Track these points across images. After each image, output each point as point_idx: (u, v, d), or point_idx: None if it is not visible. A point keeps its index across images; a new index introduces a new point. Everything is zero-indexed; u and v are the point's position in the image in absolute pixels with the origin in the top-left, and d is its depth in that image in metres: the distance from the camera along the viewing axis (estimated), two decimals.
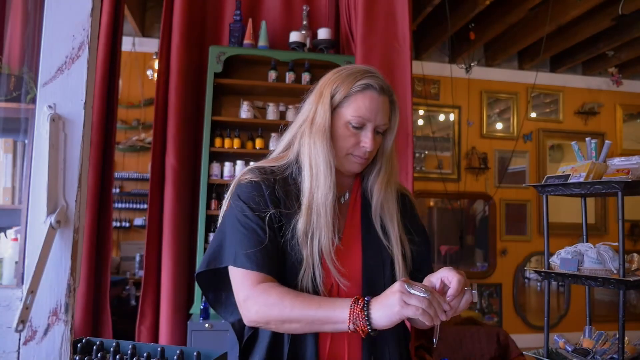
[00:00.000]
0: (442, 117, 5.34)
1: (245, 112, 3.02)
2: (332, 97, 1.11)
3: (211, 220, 2.96)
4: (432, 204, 5.37)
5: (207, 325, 2.61)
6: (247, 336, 1.11)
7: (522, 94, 5.47)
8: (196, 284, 2.79)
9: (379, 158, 1.19)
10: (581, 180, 1.60)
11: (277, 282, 1.05)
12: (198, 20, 3.15)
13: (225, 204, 1.17)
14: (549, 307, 1.73)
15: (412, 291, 0.89)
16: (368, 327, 0.92)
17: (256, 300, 1.00)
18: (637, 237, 5.52)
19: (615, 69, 5.34)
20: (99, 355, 0.92)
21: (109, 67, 2.85)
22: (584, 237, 1.81)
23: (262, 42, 3.02)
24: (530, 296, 5.42)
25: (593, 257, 1.59)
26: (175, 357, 0.93)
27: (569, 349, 1.65)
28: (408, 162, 2.75)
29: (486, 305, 5.23)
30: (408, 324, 1.25)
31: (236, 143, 2.99)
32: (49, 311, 0.57)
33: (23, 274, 0.57)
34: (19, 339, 0.57)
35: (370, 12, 2.86)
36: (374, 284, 1.12)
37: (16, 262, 2.25)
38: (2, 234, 2.25)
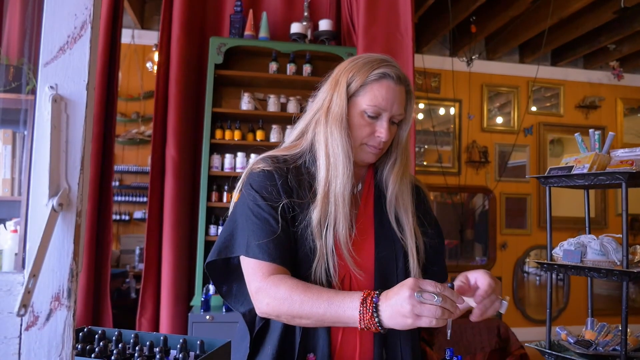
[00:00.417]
0: (442, 111, 5.32)
1: (245, 103, 3.00)
2: (348, 86, 1.09)
3: (212, 212, 2.95)
4: (432, 197, 5.36)
5: (207, 317, 2.61)
6: (258, 327, 1.10)
7: (523, 88, 5.45)
8: (197, 276, 2.79)
9: (394, 149, 1.18)
10: (585, 171, 1.59)
11: (289, 274, 1.04)
12: (198, 12, 3.13)
13: (236, 193, 1.15)
14: (552, 298, 1.72)
15: (424, 299, 0.85)
16: (380, 329, 0.90)
17: (267, 292, 0.99)
18: (637, 231, 5.52)
19: (617, 63, 5.32)
20: (101, 344, 0.91)
21: (109, 59, 2.83)
22: (587, 229, 1.80)
23: (263, 33, 3.00)
24: (529, 290, 5.42)
25: (596, 248, 1.59)
26: (178, 346, 0.92)
27: (571, 341, 1.64)
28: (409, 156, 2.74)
29: None
30: None
31: (237, 135, 2.97)
32: (51, 296, 0.56)
33: (24, 259, 0.56)
34: (21, 325, 0.56)
35: (372, 3, 2.84)
36: (386, 275, 1.11)
37: (16, 254, 2.25)
38: (2, 225, 2.24)
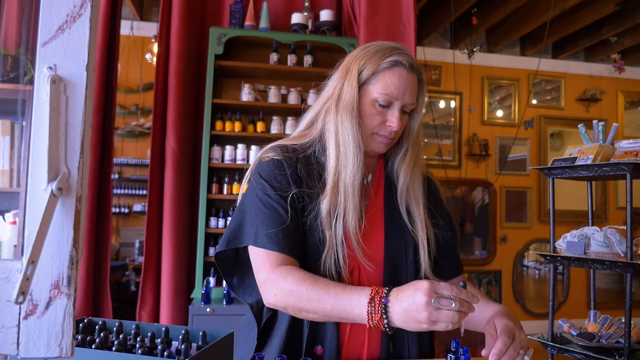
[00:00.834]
0: (442, 104, 5.30)
1: (246, 95, 2.98)
2: (359, 74, 1.07)
3: (212, 204, 2.94)
4: None
5: (208, 309, 2.60)
6: (266, 318, 1.09)
7: (523, 81, 5.42)
8: (197, 268, 2.78)
9: (405, 139, 1.16)
10: (589, 162, 1.58)
11: (298, 265, 1.03)
12: (198, 2, 3.10)
13: (245, 182, 1.13)
14: (554, 290, 1.71)
15: (441, 305, 0.83)
16: (388, 330, 0.89)
17: (275, 284, 0.98)
18: (637, 225, 5.51)
19: (618, 56, 5.29)
20: (101, 334, 0.90)
21: (107, 50, 2.80)
22: (590, 221, 1.79)
23: (264, 23, 2.97)
24: (528, 283, 5.43)
25: (600, 240, 1.57)
26: (180, 337, 0.91)
27: (574, 333, 1.63)
28: None
29: (485, 293, 5.23)
30: None
31: (237, 126, 2.95)
32: (50, 284, 0.55)
33: (23, 247, 0.55)
34: (19, 313, 0.55)
35: None
36: (396, 267, 1.10)
37: (15, 246, 2.23)
38: (1, 217, 2.22)
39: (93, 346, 0.87)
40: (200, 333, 0.91)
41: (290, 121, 3.00)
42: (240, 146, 2.96)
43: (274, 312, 1.08)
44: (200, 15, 3.12)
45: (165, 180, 2.87)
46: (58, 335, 0.55)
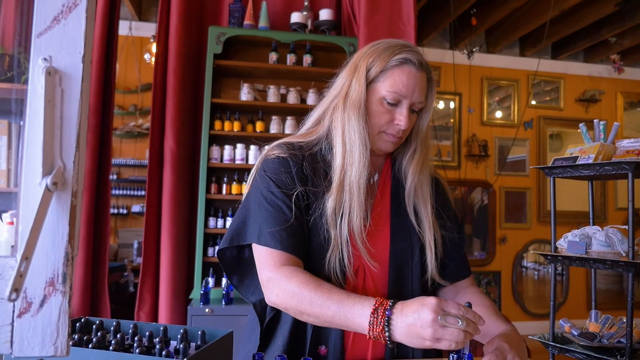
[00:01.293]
0: (442, 105, 5.29)
1: (245, 94, 2.97)
2: (367, 71, 1.06)
3: (211, 204, 2.92)
4: None
5: (207, 310, 2.58)
6: (269, 317, 1.08)
7: (523, 81, 5.42)
8: (196, 269, 2.76)
9: (414, 138, 1.15)
10: (590, 161, 1.57)
11: (302, 266, 1.02)
12: (197, 1, 3.09)
13: (250, 179, 1.12)
14: (555, 290, 1.70)
15: (447, 323, 0.81)
16: (389, 343, 0.87)
17: (278, 284, 0.97)
18: (637, 226, 5.50)
19: (617, 56, 5.28)
20: (98, 334, 0.88)
21: (106, 50, 2.79)
22: (591, 220, 1.78)
23: (263, 23, 2.96)
24: (528, 284, 5.42)
25: (601, 239, 1.56)
26: (178, 337, 0.90)
27: (575, 333, 1.62)
28: None
29: (484, 293, 5.21)
30: None
31: (236, 126, 2.94)
32: (45, 281, 0.53)
33: (17, 242, 0.53)
34: (13, 311, 0.53)
35: None
36: (401, 268, 1.08)
37: (12, 246, 2.21)
38: None
39: (90, 346, 0.86)
40: (199, 332, 0.89)
41: (289, 121, 2.99)
42: (239, 146, 2.95)
43: (277, 312, 1.07)
44: (199, 14, 3.11)
45: (164, 180, 2.86)
46: (53, 333, 0.53)
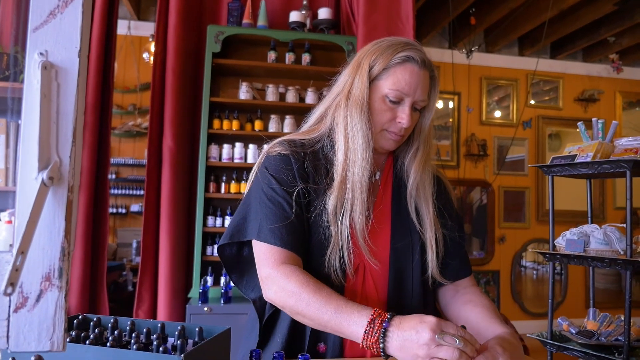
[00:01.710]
0: (441, 104, 5.29)
1: (244, 93, 2.97)
2: (370, 69, 1.06)
3: (209, 203, 2.92)
4: None
5: (206, 308, 2.58)
6: (268, 314, 1.08)
7: (522, 81, 5.42)
8: (195, 267, 2.76)
9: (416, 137, 1.14)
10: (589, 160, 1.57)
11: (301, 263, 1.02)
12: (195, 0, 3.08)
13: (251, 176, 1.12)
14: (554, 288, 1.71)
15: (444, 342, 0.80)
16: (382, 355, 0.86)
17: (277, 281, 0.97)
18: (636, 225, 5.52)
19: (616, 56, 5.29)
20: (96, 330, 0.88)
21: (104, 49, 2.79)
22: (589, 219, 1.78)
23: (262, 21, 2.96)
24: (526, 283, 5.42)
25: (599, 238, 1.56)
26: (176, 333, 0.90)
27: (573, 331, 1.62)
28: None
29: (484, 293, 5.22)
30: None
31: (235, 125, 2.94)
32: (41, 276, 0.53)
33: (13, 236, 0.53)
34: (9, 306, 0.53)
35: None
36: (401, 267, 1.08)
37: (10, 245, 2.21)
38: None
39: (87, 342, 0.86)
40: (197, 329, 0.89)
41: (288, 119, 2.99)
42: (238, 145, 2.95)
43: (276, 309, 1.07)
44: (197, 13, 3.10)
45: (163, 179, 2.86)
46: (49, 328, 0.53)
